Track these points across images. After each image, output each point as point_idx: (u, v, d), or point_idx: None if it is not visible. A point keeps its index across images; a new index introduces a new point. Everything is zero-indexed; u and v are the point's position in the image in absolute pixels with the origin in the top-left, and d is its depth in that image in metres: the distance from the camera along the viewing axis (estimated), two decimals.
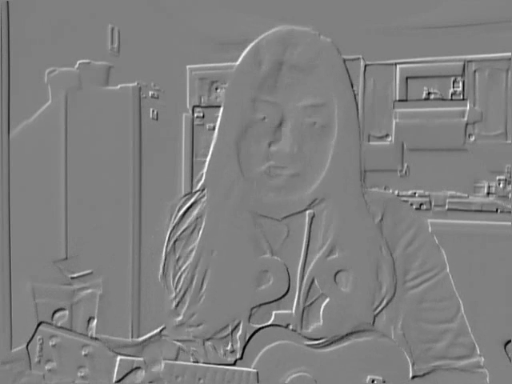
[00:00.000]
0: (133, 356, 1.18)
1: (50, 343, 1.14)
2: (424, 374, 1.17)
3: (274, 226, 1.21)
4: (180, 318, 1.22)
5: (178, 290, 1.23)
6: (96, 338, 1.19)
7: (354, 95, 1.20)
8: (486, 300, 1.30)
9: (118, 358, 1.16)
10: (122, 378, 1.16)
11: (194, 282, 1.21)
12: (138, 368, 1.16)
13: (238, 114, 1.19)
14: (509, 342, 1.29)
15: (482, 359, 1.18)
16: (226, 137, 1.21)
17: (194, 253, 1.23)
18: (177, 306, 1.22)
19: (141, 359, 1.16)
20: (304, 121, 1.16)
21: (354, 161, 1.20)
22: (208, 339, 1.20)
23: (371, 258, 1.18)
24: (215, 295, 1.20)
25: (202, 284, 1.21)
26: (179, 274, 1.23)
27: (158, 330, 1.26)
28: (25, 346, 1.27)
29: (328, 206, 1.20)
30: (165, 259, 1.26)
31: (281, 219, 1.20)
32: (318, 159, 1.18)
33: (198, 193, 1.27)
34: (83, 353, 1.15)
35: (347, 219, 1.20)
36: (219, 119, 1.23)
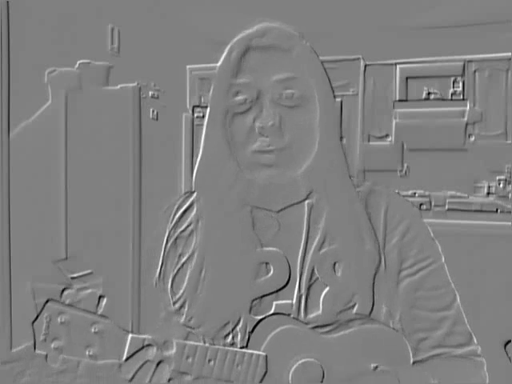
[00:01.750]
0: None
1: (59, 320, 1.13)
2: (422, 360, 1.18)
3: (267, 219, 1.21)
4: (182, 319, 1.22)
5: (181, 291, 1.23)
6: (106, 316, 1.18)
7: (327, 74, 1.21)
8: (485, 300, 1.30)
9: (129, 335, 1.15)
10: (132, 355, 1.16)
11: (195, 283, 1.22)
12: (149, 345, 1.16)
13: (220, 107, 1.20)
14: (509, 341, 1.29)
15: (480, 348, 1.19)
16: (214, 132, 1.21)
17: (195, 254, 1.23)
18: (181, 307, 1.22)
19: (151, 337, 1.16)
20: (282, 93, 1.18)
21: (337, 149, 1.21)
22: (211, 339, 1.21)
23: (366, 246, 1.19)
24: (215, 293, 1.20)
25: (203, 284, 1.22)
26: (180, 275, 1.23)
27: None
28: (25, 345, 1.27)
29: (323, 195, 1.21)
30: (162, 262, 1.25)
31: (277, 211, 1.21)
32: (305, 135, 1.19)
33: (195, 193, 1.27)
34: (93, 330, 1.14)
35: (341, 208, 1.21)
36: (205, 123, 1.24)
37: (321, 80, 1.20)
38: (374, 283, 1.18)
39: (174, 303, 1.22)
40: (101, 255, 1.48)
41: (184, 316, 1.21)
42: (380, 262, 1.19)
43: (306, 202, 1.20)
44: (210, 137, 1.23)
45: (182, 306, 1.22)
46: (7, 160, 1.53)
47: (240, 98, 1.18)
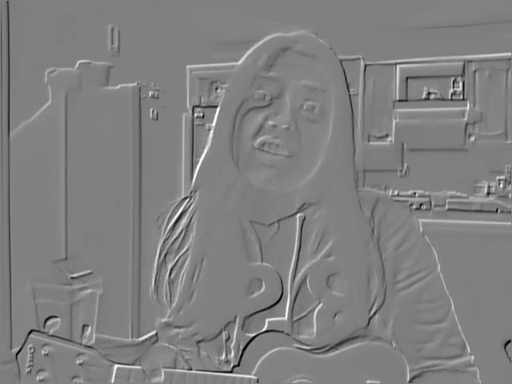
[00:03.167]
0: (132, 356, 1.17)
1: (43, 352, 1.12)
2: (415, 377, 1.17)
3: (263, 228, 1.20)
4: (165, 319, 1.21)
5: (173, 303, 1.22)
6: (91, 347, 1.17)
7: (350, 97, 1.21)
8: (485, 300, 1.30)
9: (115, 366, 1.14)
10: None
11: (187, 289, 1.21)
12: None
13: (238, 97, 1.19)
14: (509, 341, 1.29)
15: (473, 358, 1.18)
16: (222, 127, 1.20)
17: (187, 262, 1.22)
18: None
19: (139, 368, 1.15)
20: (303, 103, 1.17)
21: (348, 159, 1.20)
22: (198, 342, 1.20)
23: (364, 262, 1.18)
24: (207, 301, 1.19)
25: (194, 291, 1.21)
26: (172, 286, 1.22)
27: (156, 331, 1.25)
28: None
29: (320, 208, 1.19)
30: (156, 274, 1.25)
31: (268, 224, 1.20)
32: (313, 148, 1.18)
33: (186, 201, 1.27)
34: (78, 362, 1.12)
35: (341, 221, 1.20)
36: (216, 114, 1.23)
37: (341, 97, 1.20)
38: (371, 296, 1.17)
39: (169, 316, 1.21)
40: (101, 255, 1.48)
41: (175, 313, 1.20)
42: (382, 275, 1.18)
43: (298, 215, 1.19)
44: (217, 133, 1.22)
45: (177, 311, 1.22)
46: (7, 160, 1.53)
47: (261, 91, 1.17)
